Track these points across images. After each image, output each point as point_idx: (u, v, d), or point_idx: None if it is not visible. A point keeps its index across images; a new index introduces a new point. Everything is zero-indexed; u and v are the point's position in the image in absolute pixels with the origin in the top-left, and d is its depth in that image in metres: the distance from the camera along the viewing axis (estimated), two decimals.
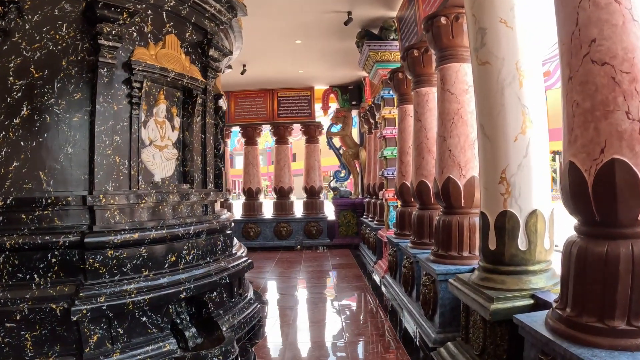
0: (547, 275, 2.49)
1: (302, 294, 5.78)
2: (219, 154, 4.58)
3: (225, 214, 5.04)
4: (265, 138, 16.59)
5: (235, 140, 21.24)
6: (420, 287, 3.80)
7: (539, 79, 2.61)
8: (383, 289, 5.61)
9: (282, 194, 10.27)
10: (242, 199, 10.64)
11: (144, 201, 3.25)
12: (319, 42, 7.18)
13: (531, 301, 2.36)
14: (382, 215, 6.92)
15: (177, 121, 3.75)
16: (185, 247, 3.44)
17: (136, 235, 3.11)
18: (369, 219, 8.37)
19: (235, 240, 5.16)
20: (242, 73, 8.10)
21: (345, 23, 6.05)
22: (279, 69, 8.69)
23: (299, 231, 9.94)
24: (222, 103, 4.77)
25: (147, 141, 3.49)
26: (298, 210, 10.43)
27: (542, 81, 2.68)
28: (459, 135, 3.51)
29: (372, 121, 8.24)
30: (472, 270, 3.28)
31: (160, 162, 3.57)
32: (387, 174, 6.41)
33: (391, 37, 6.30)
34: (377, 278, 6.21)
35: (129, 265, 3.08)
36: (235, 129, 10.86)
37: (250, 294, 4.65)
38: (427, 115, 4.43)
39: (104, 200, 3.04)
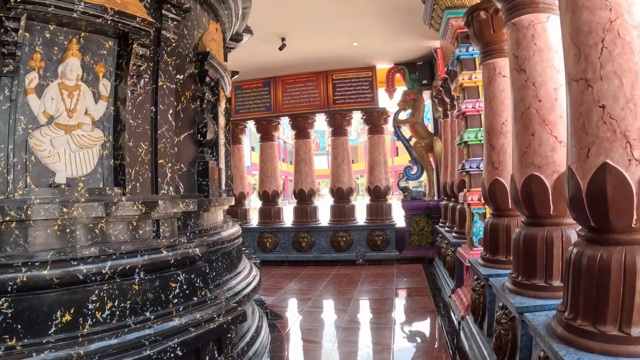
0: None
1: (342, 344, 4.00)
2: (206, 141, 3.12)
3: (230, 228, 3.56)
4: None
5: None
6: None
7: None
8: (462, 337, 3.77)
9: (341, 196, 8.61)
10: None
11: (8, 218, 1.84)
12: None
13: None
14: (463, 225, 4.98)
15: (104, 86, 2.32)
16: (94, 297, 1.98)
17: None
18: (446, 228, 6.41)
19: (243, 265, 3.64)
20: (280, 48, 6.59)
21: None
22: (329, 43, 7.06)
23: (361, 241, 8.21)
24: (217, 70, 3.30)
25: (43, 118, 2.10)
26: (360, 216, 8.72)
27: None
28: (619, 74, 1.63)
29: (447, 100, 6.28)
30: None
31: (67, 151, 2.16)
32: (470, 167, 4.50)
33: None
34: (454, 317, 4.35)
35: None
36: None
37: (254, 351, 3.11)
38: (534, 60, 2.53)
39: None
